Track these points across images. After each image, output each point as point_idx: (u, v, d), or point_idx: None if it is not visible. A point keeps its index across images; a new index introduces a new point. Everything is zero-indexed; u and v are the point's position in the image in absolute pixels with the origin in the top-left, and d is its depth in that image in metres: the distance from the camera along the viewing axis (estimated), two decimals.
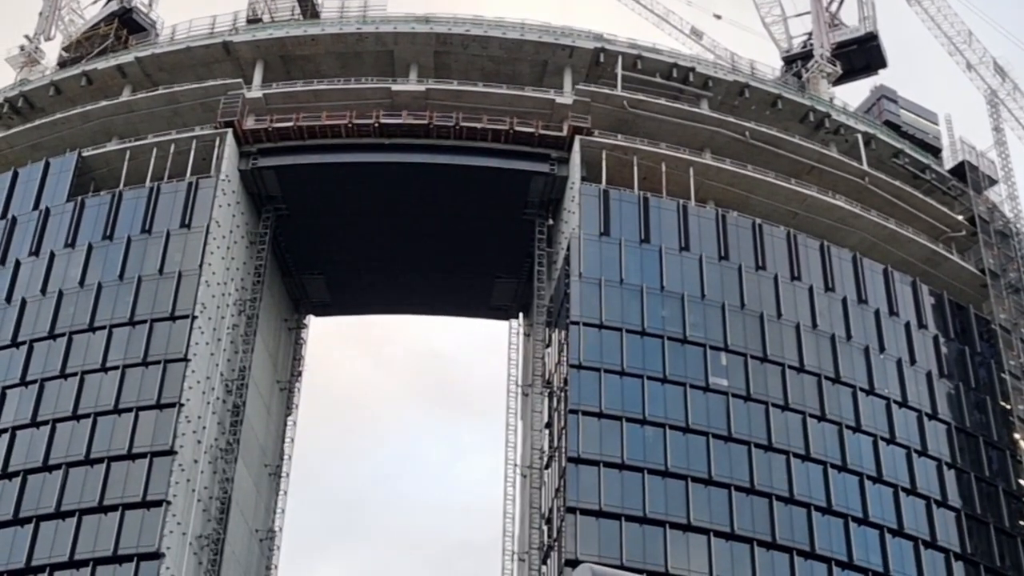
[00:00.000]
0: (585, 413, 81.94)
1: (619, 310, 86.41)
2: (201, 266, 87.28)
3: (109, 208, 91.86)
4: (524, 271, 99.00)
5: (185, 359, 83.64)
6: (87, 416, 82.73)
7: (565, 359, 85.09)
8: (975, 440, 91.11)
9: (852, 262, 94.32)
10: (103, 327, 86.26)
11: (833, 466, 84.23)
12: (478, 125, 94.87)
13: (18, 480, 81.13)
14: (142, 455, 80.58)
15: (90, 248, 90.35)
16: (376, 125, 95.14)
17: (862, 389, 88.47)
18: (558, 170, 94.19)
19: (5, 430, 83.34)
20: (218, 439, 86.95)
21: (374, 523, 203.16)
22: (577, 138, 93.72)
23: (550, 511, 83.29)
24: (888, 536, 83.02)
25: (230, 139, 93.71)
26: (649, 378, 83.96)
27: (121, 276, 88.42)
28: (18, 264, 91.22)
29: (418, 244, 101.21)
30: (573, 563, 76.01)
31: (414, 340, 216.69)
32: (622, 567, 76.26)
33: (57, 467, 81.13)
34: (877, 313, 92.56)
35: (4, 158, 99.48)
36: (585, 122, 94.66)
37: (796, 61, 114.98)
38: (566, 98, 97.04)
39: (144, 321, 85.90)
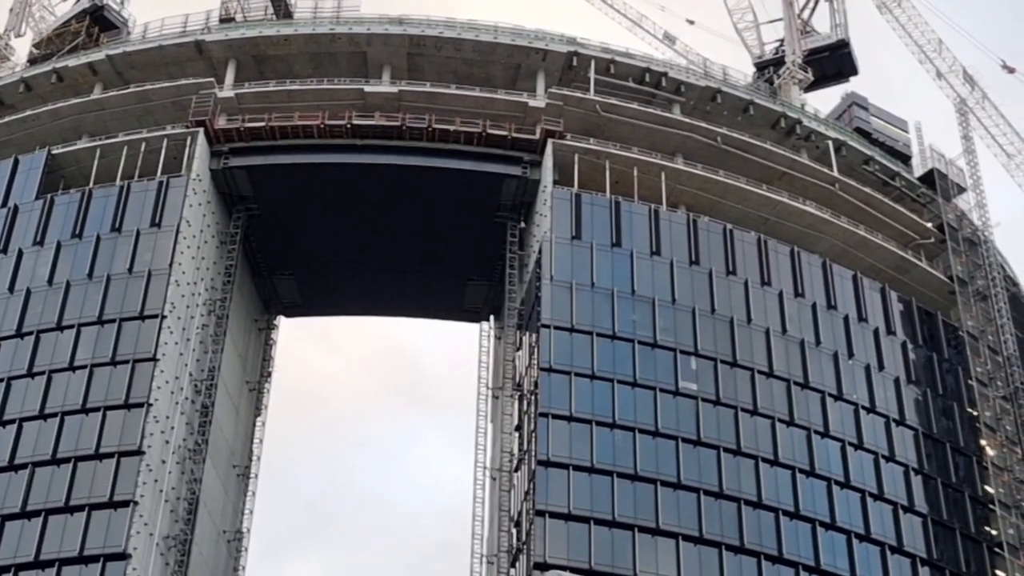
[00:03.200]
0: (555, 416, 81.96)
1: (590, 314, 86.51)
2: (171, 265, 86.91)
3: (79, 206, 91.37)
4: (496, 274, 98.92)
5: (154, 359, 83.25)
6: (54, 415, 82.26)
7: (535, 362, 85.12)
8: (942, 446, 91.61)
9: (821, 268, 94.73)
10: (71, 326, 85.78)
11: (801, 471, 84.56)
12: (451, 127, 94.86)
13: None
14: (109, 455, 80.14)
15: (59, 246, 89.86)
16: (348, 126, 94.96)
17: (830, 394, 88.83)
18: (530, 173, 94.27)
19: None
20: (186, 439, 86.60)
21: (346, 524, 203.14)
22: (549, 141, 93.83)
23: (519, 514, 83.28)
24: (855, 541, 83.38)
25: (201, 138, 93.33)
26: (619, 382, 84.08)
27: (90, 275, 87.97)
28: None
29: (390, 245, 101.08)
30: (542, 566, 76.20)
31: (385, 342, 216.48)
32: (591, 571, 76.52)
33: (23, 466, 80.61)
34: (846, 319, 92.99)
35: None
36: (557, 125, 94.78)
37: (768, 67, 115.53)
38: (539, 101, 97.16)
39: (113, 320, 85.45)
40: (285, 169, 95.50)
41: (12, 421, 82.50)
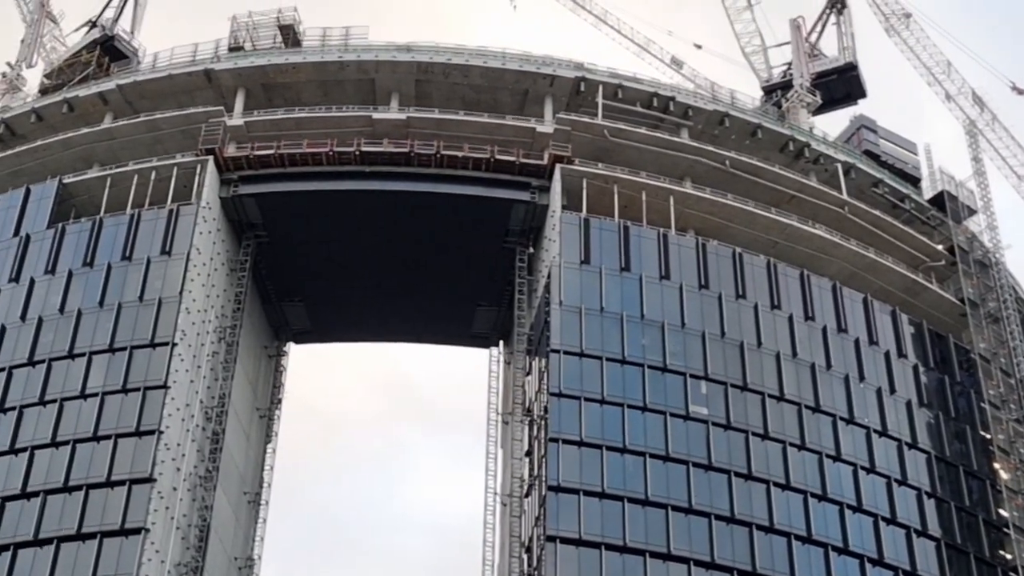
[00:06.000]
0: (565, 441, 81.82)
1: (599, 338, 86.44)
2: (181, 293, 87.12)
3: (90, 235, 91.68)
4: (505, 299, 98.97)
5: (164, 386, 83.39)
6: (66, 443, 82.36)
7: (545, 387, 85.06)
8: (955, 470, 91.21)
9: (832, 291, 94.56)
10: (83, 354, 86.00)
11: (813, 495, 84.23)
12: (459, 153, 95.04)
13: None
14: (121, 482, 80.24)
15: (70, 275, 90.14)
16: (357, 153, 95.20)
17: (842, 418, 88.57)
18: (539, 198, 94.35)
19: None
20: (197, 466, 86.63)
21: (357, 548, 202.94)
22: (558, 166, 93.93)
23: (530, 539, 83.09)
24: (868, 566, 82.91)
25: (211, 166, 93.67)
26: (629, 406, 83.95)
27: (101, 303, 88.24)
28: None
29: (399, 272, 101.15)
30: None
31: (395, 367, 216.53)
32: None
33: (35, 494, 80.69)
34: (857, 342, 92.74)
35: None
36: (566, 150, 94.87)
37: (776, 91, 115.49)
38: (547, 127, 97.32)
39: (124, 348, 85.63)
40: (294, 196, 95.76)
41: (24, 449, 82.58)
